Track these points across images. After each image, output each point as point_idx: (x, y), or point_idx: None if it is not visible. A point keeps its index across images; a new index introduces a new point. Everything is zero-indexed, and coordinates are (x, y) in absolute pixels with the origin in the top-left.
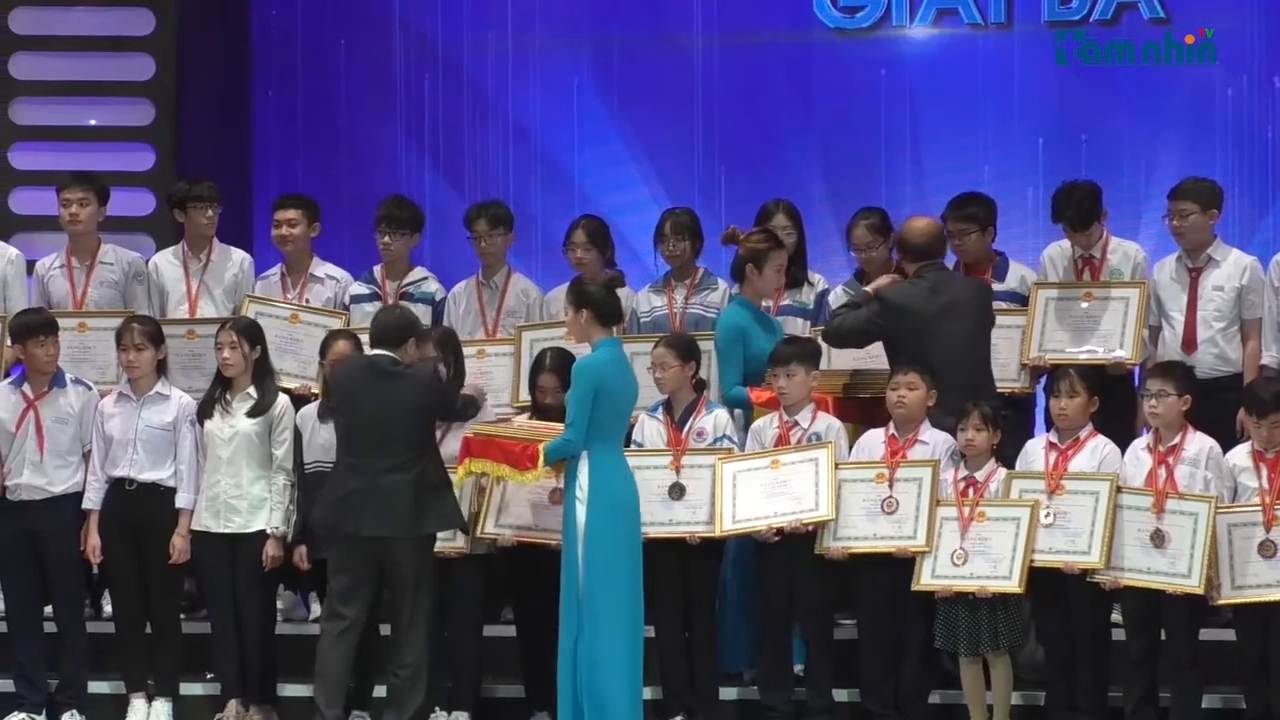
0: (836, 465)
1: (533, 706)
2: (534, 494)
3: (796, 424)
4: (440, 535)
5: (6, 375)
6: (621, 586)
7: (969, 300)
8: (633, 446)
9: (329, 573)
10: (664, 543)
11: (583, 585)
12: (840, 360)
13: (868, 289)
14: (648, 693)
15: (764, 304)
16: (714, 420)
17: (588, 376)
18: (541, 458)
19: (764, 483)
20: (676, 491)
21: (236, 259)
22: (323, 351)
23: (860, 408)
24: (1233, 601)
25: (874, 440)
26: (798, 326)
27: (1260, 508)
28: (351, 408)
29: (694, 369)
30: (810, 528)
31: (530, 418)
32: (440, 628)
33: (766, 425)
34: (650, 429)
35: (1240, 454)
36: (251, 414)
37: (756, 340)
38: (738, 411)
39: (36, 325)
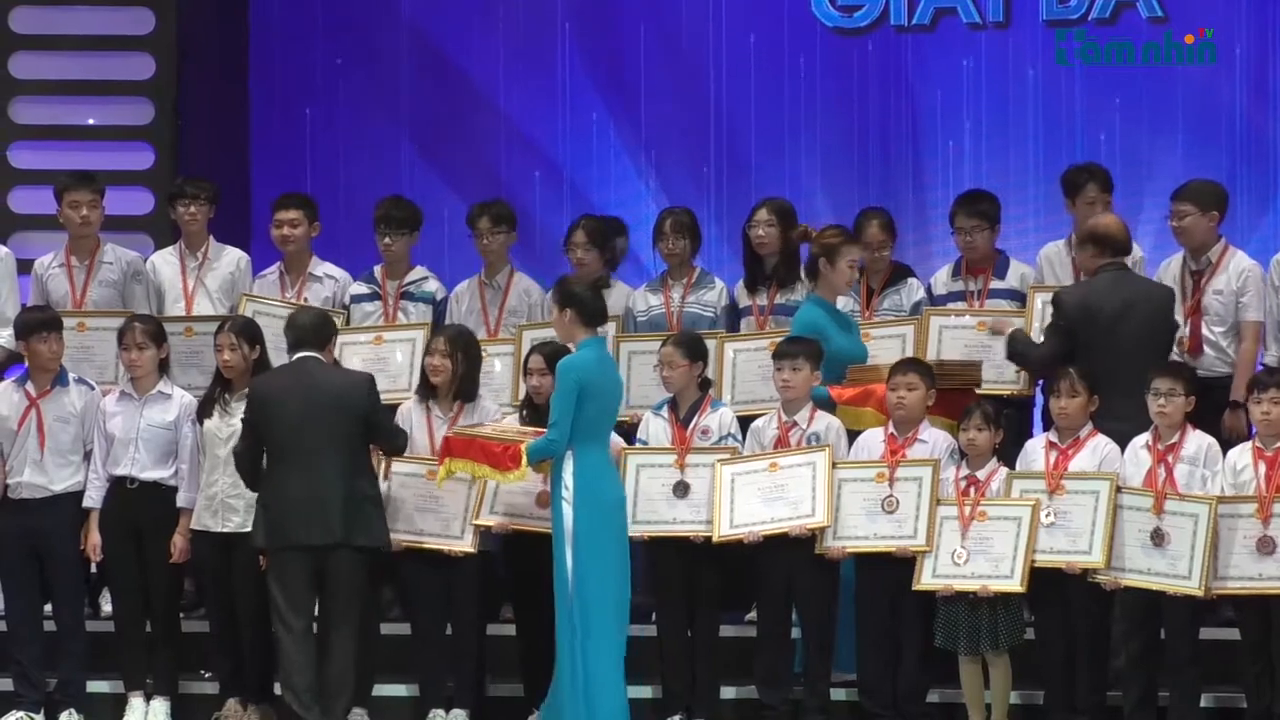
0: (835, 465)
1: (532, 705)
2: (526, 486)
3: (795, 424)
4: (446, 534)
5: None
6: (611, 585)
7: (1148, 302)
8: (637, 444)
9: (270, 580)
10: (667, 541)
11: (572, 585)
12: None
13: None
14: (647, 691)
15: (839, 301)
16: (719, 419)
17: (572, 375)
18: (524, 457)
19: (761, 486)
20: (681, 490)
21: (233, 258)
22: None
23: (942, 399)
24: (1218, 593)
25: (873, 439)
26: (789, 326)
27: (1256, 499)
28: (280, 411)
29: (701, 368)
30: (810, 532)
31: (523, 417)
32: (442, 626)
33: (765, 425)
34: (655, 427)
35: (1241, 452)
36: None
37: (835, 338)
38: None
39: (40, 322)
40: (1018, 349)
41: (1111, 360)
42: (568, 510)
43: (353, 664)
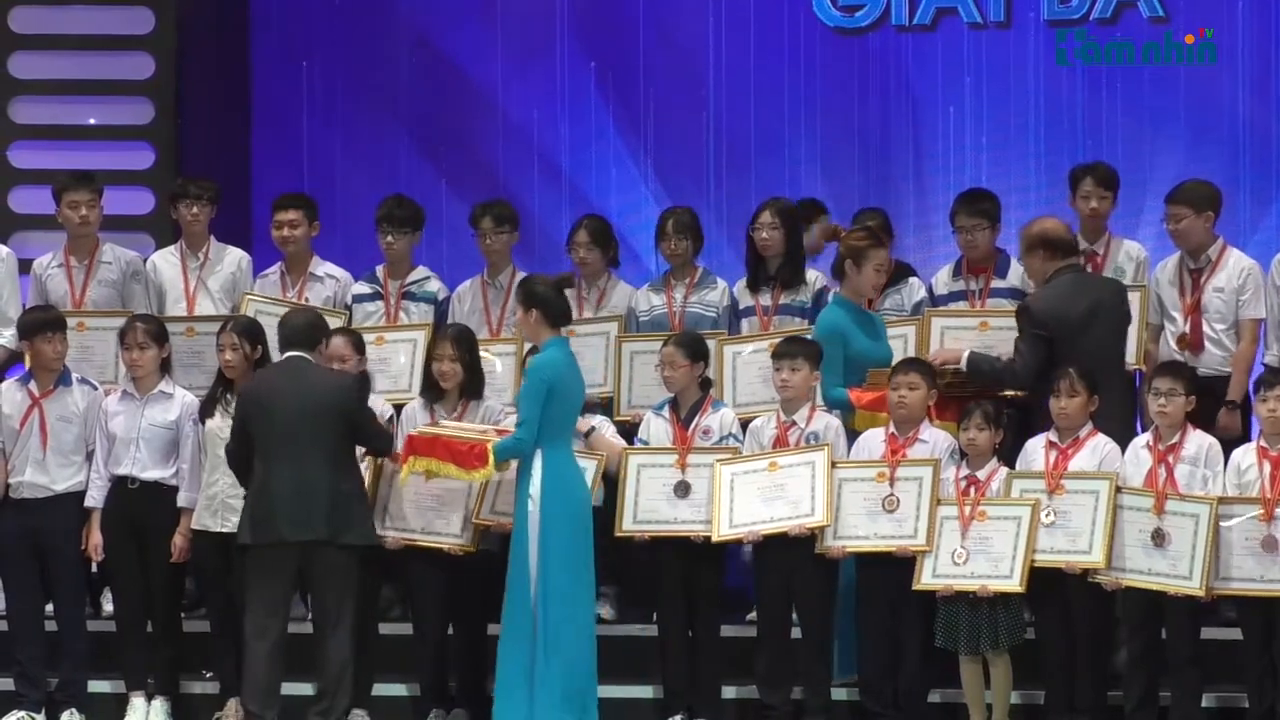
0: (834, 464)
1: None
2: None
3: (794, 424)
4: (446, 532)
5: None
6: (578, 584)
7: (1111, 299)
8: (638, 444)
9: (248, 578)
10: (668, 541)
11: (537, 584)
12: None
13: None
14: (648, 691)
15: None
16: (720, 419)
17: (540, 375)
18: (491, 457)
19: (761, 486)
20: (682, 490)
21: (234, 257)
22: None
23: (960, 407)
24: (1218, 593)
25: (874, 439)
26: (794, 326)
27: (1259, 501)
28: (269, 409)
29: (702, 368)
30: (809, 532)
31: None
32: (443, 626)
33: (764, 425)
34: (656, 427)
35: (1246, 452)
36: None
37: (857, 340)
38: (744, 420)
39: (45, 322)
40: (985, 369)
41: (1084, 361)
42: (534, 509)
43: (350, 664)
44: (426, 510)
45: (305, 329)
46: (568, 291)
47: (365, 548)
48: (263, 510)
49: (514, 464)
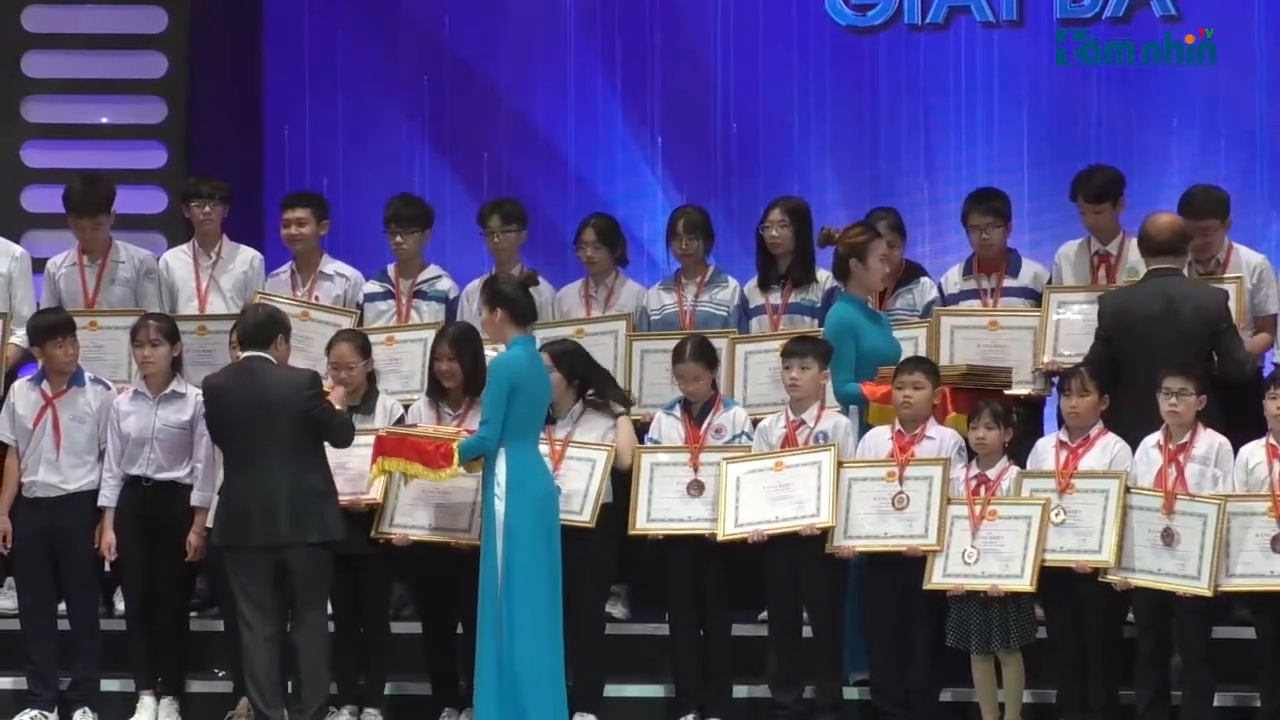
0: (843, 464)
1: None
2: None
3: (803, 423)
4: (454, 527)
5: (12, 374)
6: (541, 580)
7: (1196, 309)
8: (649, 443)
9: (229, 578)
10: (679, 540)
11: (502, 580)
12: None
13: None
14: (659, 690)
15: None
16: (732, 418)
17: (503, 374)
18: (456, 455)
19: (767, 485)
20: (695, 489)
21: (246, 256)
22: (326, 352)
23: (974, 400)
24: (1225, 590)
25: (880, 438)
26: (804, 325)
27: (1269, 498)
28: (225, 412)
29: (717, 369)
30: (816, 531)
31: None
32: (453, 624)
33: (773, 424)
34: (667, 426)
35: (1254, 449)
36: None
37: (868, 336)
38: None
39: (54, 326)
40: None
41: (1149, 364)
42: (499, 506)
43: (321, 660)
44: (435, 506)
45: (257, 328)
46: (576, 289)
47: (340, 543)
48: (228, 512)
49: (481, 462)
